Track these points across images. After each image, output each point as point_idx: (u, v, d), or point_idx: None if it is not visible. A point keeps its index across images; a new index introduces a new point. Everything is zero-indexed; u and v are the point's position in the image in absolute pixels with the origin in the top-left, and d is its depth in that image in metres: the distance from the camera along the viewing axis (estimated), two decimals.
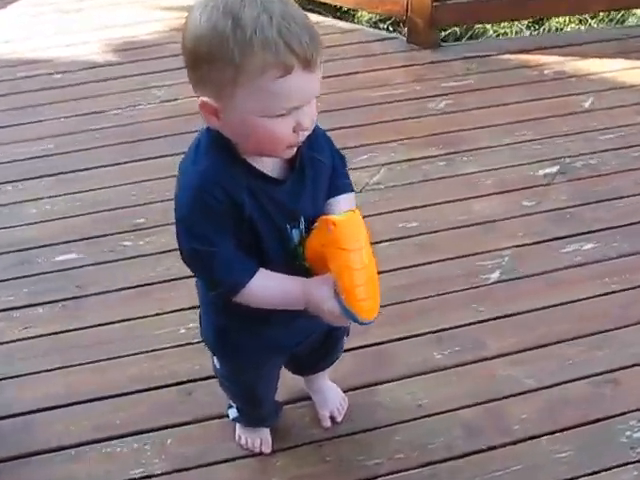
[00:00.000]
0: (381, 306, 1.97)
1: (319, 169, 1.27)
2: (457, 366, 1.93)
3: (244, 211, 1.17)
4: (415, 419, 1.81)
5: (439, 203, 2.43)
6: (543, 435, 1.77)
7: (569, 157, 2.61)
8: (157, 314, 2.04)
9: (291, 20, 1.04)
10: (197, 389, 1.86)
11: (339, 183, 1.34)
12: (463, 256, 2.23)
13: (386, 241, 2.28)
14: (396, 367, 1.92)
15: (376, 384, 1.88)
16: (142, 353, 1.94)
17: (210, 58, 1.06)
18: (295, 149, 1.18)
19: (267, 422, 1.74)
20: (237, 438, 1.75)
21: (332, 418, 1.79)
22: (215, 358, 1.55)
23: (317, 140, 1.25)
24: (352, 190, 1.38)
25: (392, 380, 1.89)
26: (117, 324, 2.02)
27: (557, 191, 2.48)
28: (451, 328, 2.02)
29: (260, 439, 1.73)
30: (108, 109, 2.85)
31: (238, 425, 1.75)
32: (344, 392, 1.84)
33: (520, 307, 2.07)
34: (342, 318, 1.21)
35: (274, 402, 1.71)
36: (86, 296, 2.11)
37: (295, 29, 1.04)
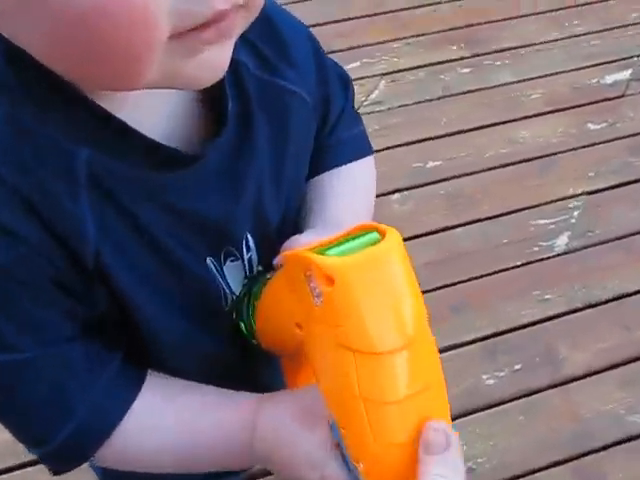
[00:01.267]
0: None
1: (289, 112, 0.54)
2: (521, 397, 1.25)
3: (84, 253, 0.45)
4: None
5: (469, 130, 1.68)
6: None
7: None
8: None
9: None
10: None
11: (339, 136, 0.60)
12: (512, 211, 1.52)
13: (397, 191, 1.55)
14: None
15: None
16: None
17: None
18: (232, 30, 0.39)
19: None
20: None
21: None
22: None
23: (285, 42, 0.54)
24: (368, 151, 0.63)
25: None
26: None
27: (633, 105, 1.74)
28: (506, 332, 1.33)
29: None
30: None
31: None
32: None
33: (605, 291, 1.39)
34: None
35: None
36: None
37: None
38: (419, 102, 1.74)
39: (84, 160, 0.43)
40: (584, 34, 1.94)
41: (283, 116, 0.52)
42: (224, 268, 0.52)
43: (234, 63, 0.44)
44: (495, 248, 1.44)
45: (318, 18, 1.92)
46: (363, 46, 1.88)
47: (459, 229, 1.48)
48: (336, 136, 0.60)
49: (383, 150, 1.63)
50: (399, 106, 1.74)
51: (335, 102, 0.59)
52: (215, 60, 0.39)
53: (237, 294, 0.53)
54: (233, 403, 0.52)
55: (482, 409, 1.23)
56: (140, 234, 0.46)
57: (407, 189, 1.56)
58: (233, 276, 0.53)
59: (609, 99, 1.77)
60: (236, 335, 0.54)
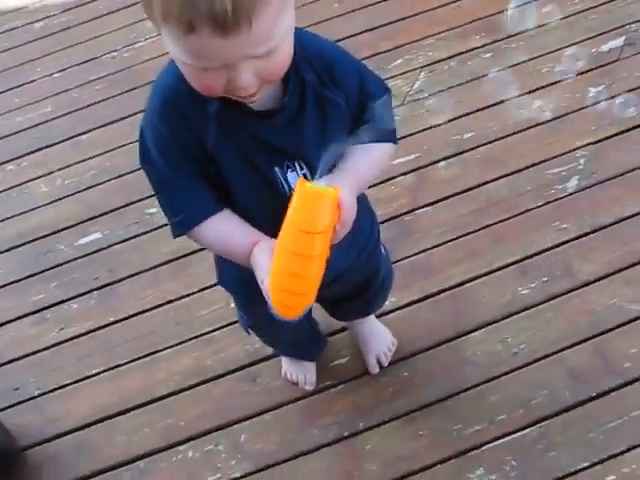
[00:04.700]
0: (452, 239, 1.81)
1: (329, 109, 1.01)
2: (549, 300, 1.69)
3: (206, 145, 0.97)
4: (512, 371, 1.59)
5: (494, 104, 2.10)
6: None
7: (635, 23, 2.24)
8: (201, 289, 1.82)
9: None
10: (261, 373, 1.66)
11: (371, 126, 1.02)
12: (532, 165, 1.94)
13: (442, 159, 2.00)
14: (480, 312, 1.68)
15: (461, 336, 1.65)
16: (191, 340, 1.74)
17: None
18: (258, 96, 0.91)
19: (308, 357, 1.62)
20: (283, 374, 1.65)
21: (379, 363, 1.63)
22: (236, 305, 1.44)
23: (334, 72, 0.99)
24: (380, 139, 1.06)
25: (478, 328, 1.66)
26: (157, 309, 1.81)
27: (628, 67, 2.13)
28: (534, 255, 1.77)
29: (304, 375, 1.63)
30: (103, 53, 2.52)
31: (283, 359, 1.64)
32: (425, 351, 1.62)
33: (608, 217, 1.80)
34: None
35: (310, 337, 1.58)
36: (119, 281, 1.88)
37: None
38: (452, 87, 2.17)
39: (215, 106, 0.94)
40: (583, 10, 2.33)
41: (325, 108, 1.00)
42: (288, 174, 1.02)
43: (303, 78, 0.95)
44: (521, 195, 1.88)
45: (366, 25, 2.37)
46: (403, 45, 2.31)
47: (491, 184, 1.92)
48: (369, 126, 1.00)
49: (429, 128, 2.07)
50: (438, 92, 2.17)
51: (370, 110, 1.03)
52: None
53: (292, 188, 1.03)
54: (253, 234, 1.02)
55: (521, 311, 1.68)
56: (239, 148, 0.98)
57: (450, 157, 2.00)
58: (289, 179, 1.02)
59: (608, 63, 2.16)
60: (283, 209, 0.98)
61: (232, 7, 0.75)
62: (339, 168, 1.03)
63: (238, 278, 1.21)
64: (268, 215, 0.96)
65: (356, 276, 1.33)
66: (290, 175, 1.02)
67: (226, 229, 1.04)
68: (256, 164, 1.00)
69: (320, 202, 0.89)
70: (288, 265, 0.92)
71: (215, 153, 0.98)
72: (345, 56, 1.04)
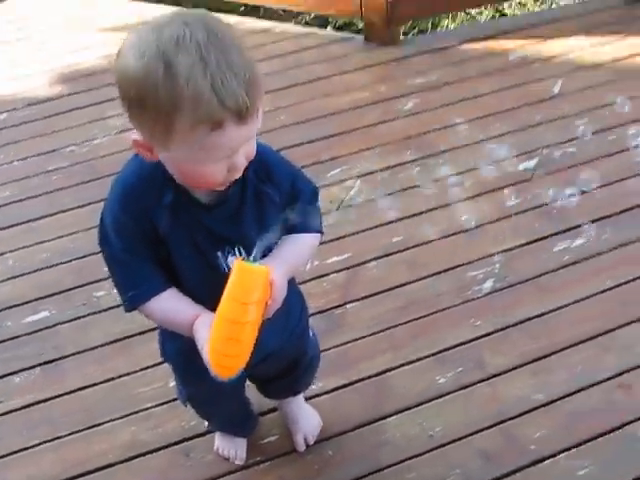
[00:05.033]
0: (377, 332, 1.97)
1: (264, 201, 1.20)
2: (462, 388, 1.85)
3: (159, 230, 1.15)
4: (427, 452, 1.72)
5: (420, 213, 2.34)
6: (561, 452, 1.69)
7: (547, 147, 2.54)
8: (142, 369, 1.93)
9: (228, 70, 0.96)
10: (195, 447, 1.76)
11: (292, 222, 1.22)
12: (453, 268, 2.15)
13: (372, 260, 2.19)
14: (399, 398, 1.83)
15: (381, 419, 1.79)
16: (130, 415, 1.83)
17: (141, 103, 0.99)
18: (228, 183, 1.12)
19: (240, 433, 1.72)
20: (215, 449, 1.73)
21: (306, 441, 1.75)
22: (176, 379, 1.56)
23: (271, 172, 1.20)
24: (307, 230, 1.26)
25: (397, 412, 1.80)
26: (100, 385, 1.91)
27: (539, 185, 2.40)
28: (450, 348, 1.94)
29: (236, 450, 1.71)
30: (63, 146, 2.71)
31: (217, 435, 1.74)
32: (348, 432, 1.75)
33: (518, 316, 2.00)
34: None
35: (243, 414, 1.69)
36: (64, 357, 1.98)
37: (231, 81, 0.96)
38: (383, 195, 2.39)
39: (170, 198, 1.12)
40: (503, 134, 2.62)
41: (262, 202, 1.19)
42: (228, 259, 1.19)
43: (244, 174, 1.12)
44: (440, 295, 2.07)
45: (309, 137, 2.61)
46: (341, 156, 2.56)
47: (415, 283, 2.11)
48: (298, 219, 1.21)
49: (362, 232, 2.28)
50: (370, 199, 2.39)
51: (299, 206, 1.22)
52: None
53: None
54: (195, 308, 1.19)
55: (437, 398, 1.82)
56: (188, 234, 1.16)
57: (379, 258, 2.19)
58: (229, 262, 1.19)
59: (523, 181, 2.43)
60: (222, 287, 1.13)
61: (249, 101, 0.97)
62: (272, 254, 1.21)
63: (179, 352, 1.38)
64: (208, 292, 1.14)
65: (286, 355, 1.49)
66: (230, 259, 1.20)
67: (172, 305, 1.21)
68: (201, 249, 1.18)
69: (253, 277, 1.07)
70: (225, 331, 1.09)
71: (167, 238, 1.16)
72: (281, 160, 1.25)
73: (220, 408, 1.59)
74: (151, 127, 1.01)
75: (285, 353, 1.46)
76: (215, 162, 1.04)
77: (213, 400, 1.55)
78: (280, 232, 1.18)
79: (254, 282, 1.07)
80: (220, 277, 1.14)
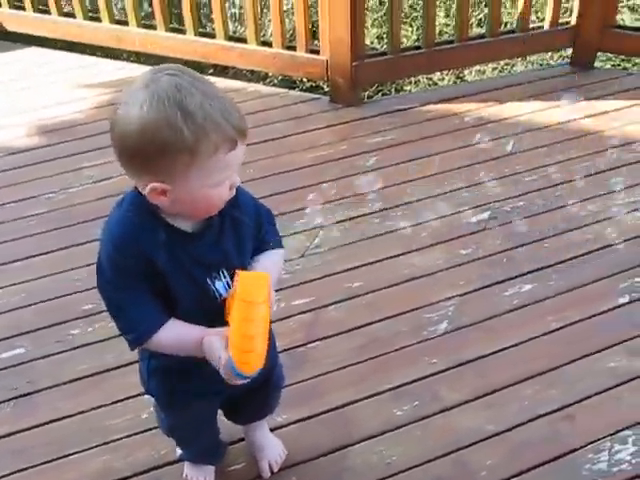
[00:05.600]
0: (338, 369, 2.09)
1: (239, 226, 1.34)
2: (418, 420, 1.96)
3: (157, 266, 1.25)
4: (386, 478, 1.82)
5: (380, 260, 2.48)
6: (510, 478, 1.81)
7: (498, 202, 2.72)
8: (114, 402, 2.01)
9: (224, 101, 1.17)
10: (165, 475, 1.84)
11: (263, 241, 1.42)
12: (410, 310, 2.28)
13: (333, 304, 2.32)
14: (360, 429, 1.94)
15: (342, 448, 1.89)
16: (101, 445, 1.90)
17: (162, 149, 1.13)
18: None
19: (212, 461, 1.81)
20: (184, 477, 1.80)
21: (271, 469, 1.84)
22: (156, 404, 1.63)
23: (239, 199, 1.33)
24: (276, 246, 1.44)
25: (358, 442, 1.91)
26: (72, 417, 1.98)
27: (491, 236, 2.58)
28: (407, 383, 2.06)
29: (204, 477, 1.79)
30: (40, 194, 2.83)
31: (186, 464, 1.81)
32: (311, 460, 1.85)
33: (470, 354, 2.13)
34: (229, 371, 1.24)
35: (216, 442, 1.78)
36: (37, 391, 2.06)
37: (230, 108, 1.17)
38: (345, 244, 2.55)
39: (163, 236, 1.25)
40: (458, 189, 2.81)
41: (238, 228, 1.34)
42: (216, 283, 1.32)
43: (224, 209, 1.28)
44: (398, 334, 2.21)
45: (275, 189, 2.76)
46: (305, 208, 2.71)
47: (374, 324, 2.24)
48: (266, 239, 1.41)
49: (325, 277, 2.42)
50: (333, 248, 2.54)
51: (264, 226, 1.41)
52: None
53: (224, 295, 1.32)
54: (197, 329, 1.30)
55: (395, 429, 1.93)
56: (182, 266, 1.28)
57: (341, 301, 2.32)
58: (219, 287, 1.33)
59: (475, 232, 2.60)
60: (214, 308, 1.31)
61: (244, 121, 1.18)
62: (258, 269, 1.37)
63: (162, 384, 1.50)
64: (202, 314, 1.31)
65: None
66: (217, 283, 1.33)
67: (176, 332, 1.31)
68: (194, 276, 1.31)
69: (258, 279, 1.25)
70: (242, 329, 1.23)
71: (165, 271, 1.27)
72: (241, 188, 1.37)
73: (199, 436, 1.69)
74: (170, 167, 1.15)
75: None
76: (224, 181, 1.20)
77: (193, 428, 1.65)
78: (255, 253, 1.37)
79: (259, 284, 1.24)
80: (211, 300, 1.31)
